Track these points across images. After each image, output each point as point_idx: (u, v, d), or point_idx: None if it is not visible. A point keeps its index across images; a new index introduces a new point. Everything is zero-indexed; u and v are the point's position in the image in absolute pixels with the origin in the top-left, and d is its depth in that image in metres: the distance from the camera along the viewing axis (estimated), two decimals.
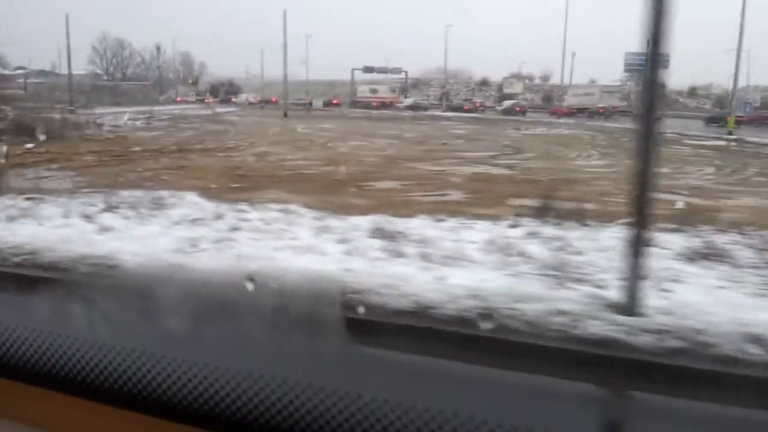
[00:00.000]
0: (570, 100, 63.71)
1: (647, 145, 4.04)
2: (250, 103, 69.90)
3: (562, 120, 48.83)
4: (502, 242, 5.65)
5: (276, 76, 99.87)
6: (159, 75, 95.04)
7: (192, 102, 69.83)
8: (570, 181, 13.10)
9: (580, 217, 6.78)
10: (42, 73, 68.84)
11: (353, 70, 79.33)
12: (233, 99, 76.33)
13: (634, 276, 3.96)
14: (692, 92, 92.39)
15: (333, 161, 16.04)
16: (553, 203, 7.47)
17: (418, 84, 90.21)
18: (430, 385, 0.86)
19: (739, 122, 38.23)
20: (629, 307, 3.87)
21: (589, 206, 8.26)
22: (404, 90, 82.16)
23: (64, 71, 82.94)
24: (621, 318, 3.70)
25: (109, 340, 0.86)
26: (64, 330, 0.88)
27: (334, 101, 75.02)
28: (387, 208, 8.07)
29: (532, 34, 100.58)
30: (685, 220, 6.55)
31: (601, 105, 58.91)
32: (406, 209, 8.03)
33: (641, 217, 4.05)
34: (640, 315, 3.78)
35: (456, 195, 11.48)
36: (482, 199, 10.57)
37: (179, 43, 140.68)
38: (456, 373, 1.08)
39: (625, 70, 70.87)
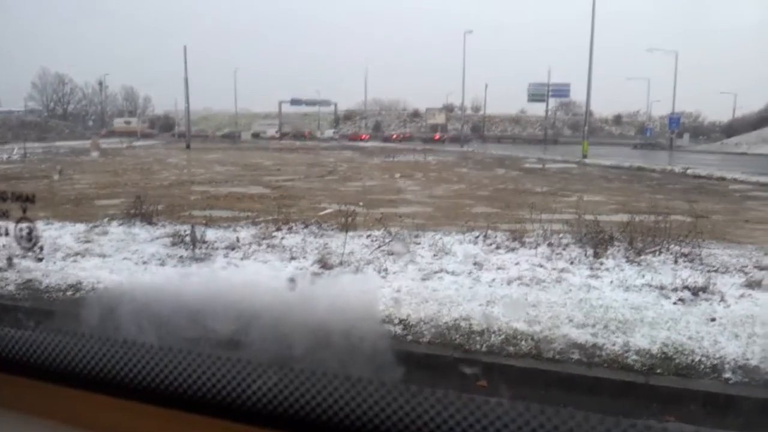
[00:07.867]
0: (255, 127, 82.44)
1: None
2: (179, 136, 71.85)
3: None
4: None
5: (215, 107, 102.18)
6: (101, 110, 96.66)
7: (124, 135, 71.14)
8: None
9: None
10: None
11: (280, 102, 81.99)
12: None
13: None
14: (617, 120, 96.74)
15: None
16: None
17: (351, 116, 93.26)
18: None
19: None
20: None
21: None
22: (336, 121, 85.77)
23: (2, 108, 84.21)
24: None
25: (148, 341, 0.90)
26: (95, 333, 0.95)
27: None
28: None
29: (468, 64, 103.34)
30: None
31: (279, 131, 78.84)
32: None
33: None
34: None
35: None
36: None
37: (125, 78, 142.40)
38: None
39: (529, 100, 75.34)
